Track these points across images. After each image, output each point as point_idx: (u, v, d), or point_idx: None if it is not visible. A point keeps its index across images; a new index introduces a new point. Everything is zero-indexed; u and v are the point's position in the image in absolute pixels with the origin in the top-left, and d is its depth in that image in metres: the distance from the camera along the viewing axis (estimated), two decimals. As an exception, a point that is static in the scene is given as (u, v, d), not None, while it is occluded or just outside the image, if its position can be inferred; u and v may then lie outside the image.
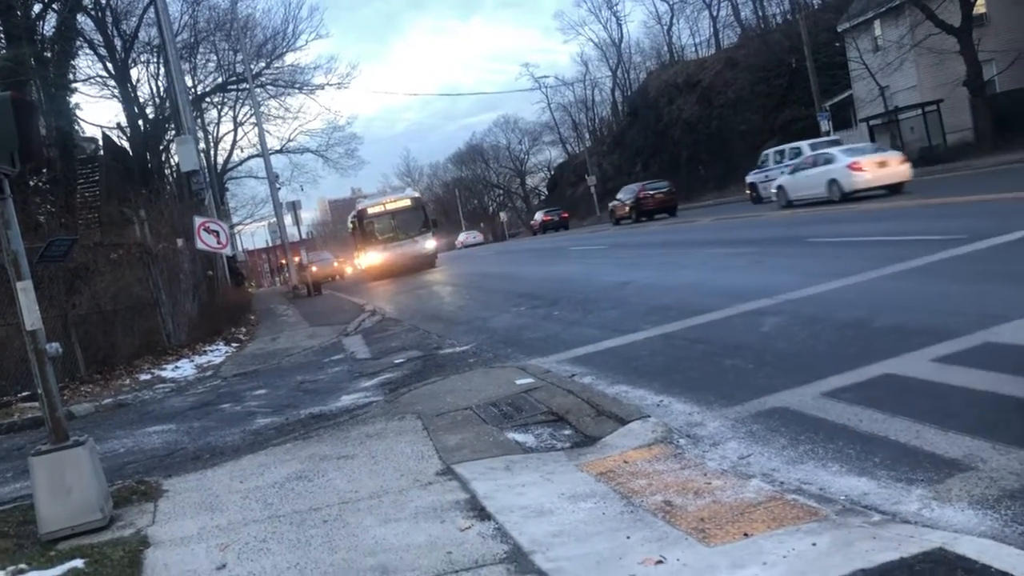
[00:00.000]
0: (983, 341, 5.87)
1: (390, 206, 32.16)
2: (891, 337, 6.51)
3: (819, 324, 7.52)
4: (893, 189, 22.87)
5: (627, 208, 39.89)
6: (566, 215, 59.50)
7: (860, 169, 22.91)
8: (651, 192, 39.11)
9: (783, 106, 49.66)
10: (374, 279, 30.64)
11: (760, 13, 64.50)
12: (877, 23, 38.63)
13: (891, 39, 36.70)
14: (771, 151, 33.89)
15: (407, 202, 32.56)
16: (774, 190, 28.39)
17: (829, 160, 24.51)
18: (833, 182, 23.71)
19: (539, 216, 62.43)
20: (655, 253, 19.26)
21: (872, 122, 36.89)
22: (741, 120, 52.83)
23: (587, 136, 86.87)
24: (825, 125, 37.51)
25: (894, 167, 23.02)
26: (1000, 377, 5.05)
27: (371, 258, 31.60)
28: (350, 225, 33.60)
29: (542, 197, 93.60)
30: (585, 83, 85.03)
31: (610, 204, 44.68)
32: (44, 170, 20.76)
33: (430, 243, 31.72)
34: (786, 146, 32.73)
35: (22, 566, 4.51)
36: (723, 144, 52.83)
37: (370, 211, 32.09)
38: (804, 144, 30.47)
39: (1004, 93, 33.41)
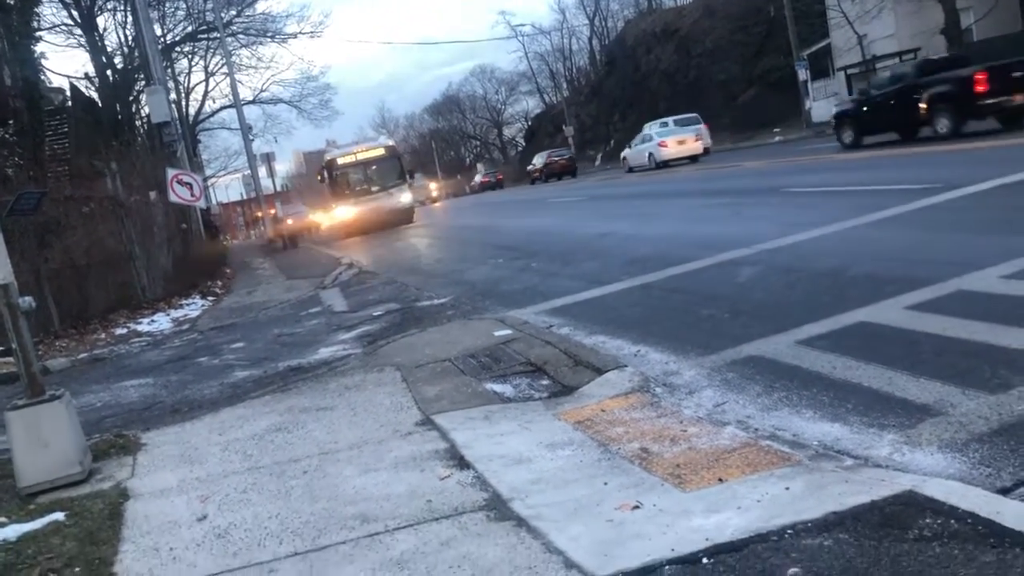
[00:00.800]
0: (956, 289, 5.94)
1: (362, 156, 29.30)
2: (866, 285, 6.58)
3: (795, 273, 7.58)
4: (692, 159, 33.57)
5: (539, 171, 52.13)
6: (501, 176, 68.47)
7: (665, 146, 33.97)
8: (555, 158, 51.67)
9: (761, 55, 49.42)
10: (347, 236, 28.46)
11: (739, -40, 63.72)
12: (856, -30, 38.33)
13: (870, -13, 36.46)
14: (649, 123, 41.21)
15: (381, 151, 29.67)
16: (623, 158, 39.33)
17: (649, 139, 35.58)
18: (650, 155, 34.63)
19: (478, 178, 70.99)
20: (634, 204, 19.26)
21: (850, 71, 36.83)
22: (719, 70, 52.56)
23: (565, 86, 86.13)
24: (803, 74, 37.45)
25: (689, 144, 33.87)
26: (971, 324, 5.12)
27: (343, 213, 29.03)
28: (319, 177, 31.20)
29: (519, 148, 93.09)
30: (562, 32, 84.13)
31: (528, 167, 56.81)
32: (10, 121, 20.29)
33: (407, 196, 29.36)
34: (658, 120, 40.65)
35: (2, 519, 4.51)
36: (701, 94, 52.57)
37: (340, 161, 29.19)
38: (671, 120, 38.65)
39: (981, 41, 33.38)
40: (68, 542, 4.08)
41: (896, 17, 35.84)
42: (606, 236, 13.35)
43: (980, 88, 17.97)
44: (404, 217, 28.91)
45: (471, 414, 5.21)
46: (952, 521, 2.91)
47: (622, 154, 39.61)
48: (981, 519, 2.89)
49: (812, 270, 7.58)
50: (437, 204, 49.28)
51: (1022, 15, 31.77)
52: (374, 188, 28.74)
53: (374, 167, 29.09)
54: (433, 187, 60.86)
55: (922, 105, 19.36)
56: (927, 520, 2.95)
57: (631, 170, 36.42)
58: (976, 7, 32.86)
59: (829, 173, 16.48)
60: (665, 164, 33.56)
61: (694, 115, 38.64)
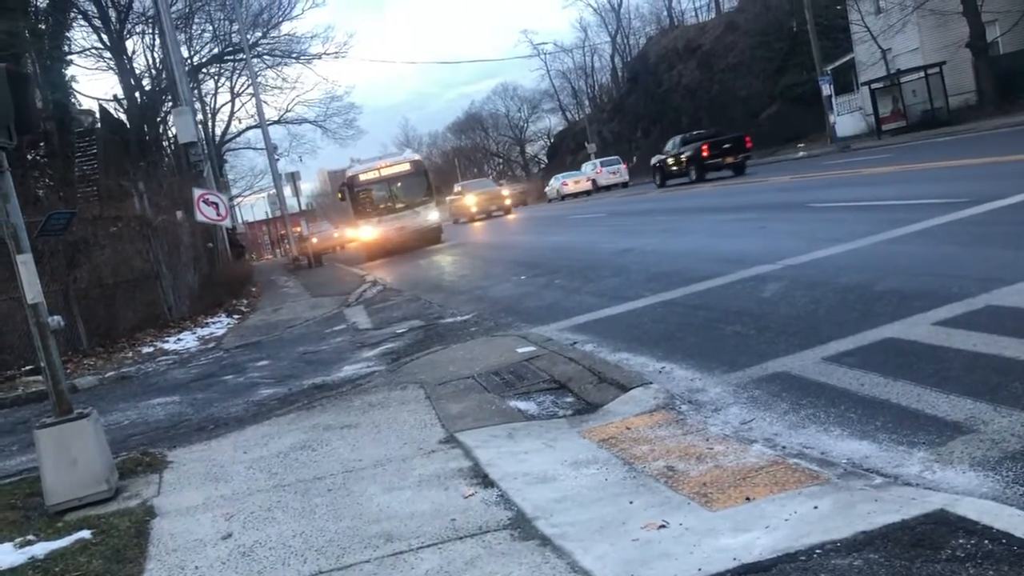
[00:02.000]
0: (985, 304, 5.86)
1: (386, 171, 26.74)
2: (893, 301, 6.50)
3: (820, 289, 7.51)
4: (586, 193, 49.74)
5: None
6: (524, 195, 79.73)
7: (566, 185, 51.55)
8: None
9: (784, 70, 49.26)
10: (369, 258, 26.42)
11: (761, -24, 63.68)
12: (879, -16, 38.21)
13: (893, 1, 36.27)
14: (584, 163, 56.92)
15: (406, 166, 27.05)
16: (546, 191, 57.14)
17: (559, 179, 53.41)
18: (557, 190, 51.97)
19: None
20: (655, 220, 19.21)
21: (874, 86, 36.56)
22: (742, 85, 52.45)
23: (587, 103, 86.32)
24: (827, 89, 37.18)
25: (583, 184, 51.09)
26: (1002, 340, 5.04)
27: (365, 234, 26.90)
28: (339, 195, 28.73)
29: (542, 165, 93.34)
30: (584, 49, 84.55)
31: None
32: (42, 144, 20.67)
33: (434, 214, 27.01)
34: (591, 161, 56.36)
35: (30, 537, 4.55)
36: (724, 110, 52.49)
37: (362, 178, 26.73)
38: (599, 161, 54.99)
39: (1008, 54, 33.11)
40: (95, 560, 4.10)
41: (920, 31, 35.62)
42: (628, 252, 13.32)
43: (704, 154, 31.83)
44: (431, 237, 26.87)
45: (495, 432, 5.19)
46: (986, 541, 2.85)
47: (545, 188, 57.35)
48: (1016, 539, 2.83)
49: (838, 285, 7.51)
50: (511, 216, 39.94)
51: (1049, 27, 31.47)
52: (399, 206, 26.49)
53: (398, 184, 26.86)
54: (506, 193, 45.82)
55: (682, 161, 33.39)
56: (960, 540, 2.89)
57: (550, 200, 52.85)
58: (1002, 20, 32.60)
59: (855, 188, 16.35)
60: (572, 196, 49.91)
61: (615, 157, 54.85)
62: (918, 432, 4.07)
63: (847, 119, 41.71)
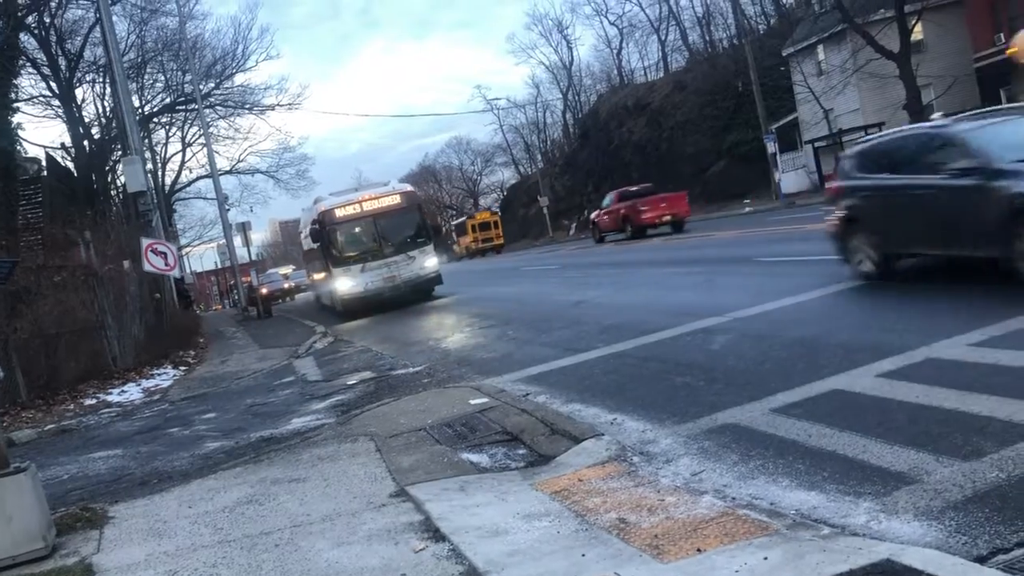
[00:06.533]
0: (925, 357, 6.02)
1: (370, 205, 20.80)
2: (838, 353, 6.64)
3: (768, 341, 7.64)
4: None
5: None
6: None
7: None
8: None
9: (730, 128, 50.50)
10: (349, 316, 20.79)
11: (707, 38, 65.74)
12: (820, 48, 39.64)
13: (834, 64, 37.67)
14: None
15: (396, 199, 21.01)
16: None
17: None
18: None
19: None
20: (607, 273, 19.40)
21: (816, 144, 37.75)
22: (690, 142, 53.62)
23: (539, 158, 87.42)
24: (771, 147, 38.26)
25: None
26: (942, 392, 5.18)
27: (343, 285, 20.60)
28: (311, 237, 22.88)
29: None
30: (537, 105, 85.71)
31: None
32: (-16, 191, 20.23)
33: (431, 260, 21.18)
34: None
35: (-41, 598, 4.36)
36: (672, 166, 53.54)
37: (339, 213, 20.71)
38: None
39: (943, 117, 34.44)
40: (29, 621, 3.95)
41: (860, 92, 36.97)
42: (580, 304, 13.42)
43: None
44: (427, 288, 21.50)
45: (447, 485, 5.15)
46: (930, 590, 2.90)
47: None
48: (959, 587, 2.88)
49: (785, 338, 7.65)
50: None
51: (980, 92, 32.89)
52: (387, 250, 20.66)
53: (387, 221, 20.90)
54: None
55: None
56: (905, 589, 2.94)
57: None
58: (936, 84, 34.01)
59: (801, 243, 16.72)
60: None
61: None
62: (864, 483, 4.14)
63: (792, 176, 42.80)
